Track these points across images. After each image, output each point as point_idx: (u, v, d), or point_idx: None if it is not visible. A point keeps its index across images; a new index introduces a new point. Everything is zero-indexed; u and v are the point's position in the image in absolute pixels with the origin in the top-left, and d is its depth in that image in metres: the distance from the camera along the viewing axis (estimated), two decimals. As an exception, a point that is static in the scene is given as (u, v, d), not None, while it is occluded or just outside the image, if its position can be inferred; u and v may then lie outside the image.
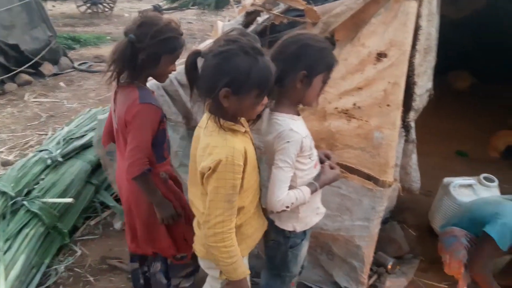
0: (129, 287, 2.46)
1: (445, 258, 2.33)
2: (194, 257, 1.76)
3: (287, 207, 1.52)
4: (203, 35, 9.03)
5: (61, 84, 6.33)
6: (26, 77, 6.17)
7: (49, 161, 3.00)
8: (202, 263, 1.67)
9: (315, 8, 2.12)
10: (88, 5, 11.90)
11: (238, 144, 1.37)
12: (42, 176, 2.91)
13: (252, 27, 2.45)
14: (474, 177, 2.78)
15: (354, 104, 2.00)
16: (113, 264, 2.67)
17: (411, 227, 2.96)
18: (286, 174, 1.51)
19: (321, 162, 1.69)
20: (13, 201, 2.64)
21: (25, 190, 2.75)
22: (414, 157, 2.23)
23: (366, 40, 2.00)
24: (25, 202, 2.64)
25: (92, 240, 2.91)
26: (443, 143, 4.09)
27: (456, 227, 2.37)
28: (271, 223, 1.69)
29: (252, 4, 2.57)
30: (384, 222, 2.63)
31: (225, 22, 3.26)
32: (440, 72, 2.66)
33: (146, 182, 1.80)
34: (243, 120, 1.50)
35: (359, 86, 1.99)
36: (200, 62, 1.37)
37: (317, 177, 1.63)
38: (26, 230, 2.54)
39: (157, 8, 10.47)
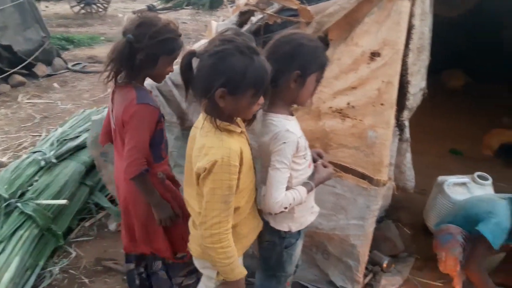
0: (125, 288, 2.45)
1: (440, 255, 2.34)
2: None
3: (285, 208, 1.52)
4: (198, 35, 9.00)
5: (55, 85, 6.29)
6: (19, 78, 6.13)
7: (43, 163, 2.98)
8: (197, 263, 1.66)
9: (309, 7, 2.12)
10: (82, 5, 11.83)
11: (234, 145, 1.37)
12: (36, 178, 2.89)
13: (246, 27, 2.45)
14: (468, 176, 2.80)
15: (348, 104, 2.01)
16: (108, 265, 2.65)
17: (406, 226, 2.97)
18: (283, 175, 1.50)
19: (314, 161, 1.69)
20: (7, 203, 2.61)
21: (19, 192, 2.73)
22: (408, 155, 2.24)
23: (360, 40, 2.00)
24: (19, 204, 2.63)
25: (86, 242, 2.90)
26: (437, 141, 4.11)
27: (452, 225, 2.38)
28: (265, 224, 1.68)
29: (246, 4, 2.57)
30: (379, 221, 2.63)
31: (219, 22, 3.26)
32: (434, 71, 2.67)
33: (144, 183, 1.80)
34: (239, 120, 1.50)
35: (353, 86, 2.00)
36: (195, 62, 1.36)
37: (311, 177, 1.63)
38: (20, 232, 2.52)
39: (151, 8, 10.44)
